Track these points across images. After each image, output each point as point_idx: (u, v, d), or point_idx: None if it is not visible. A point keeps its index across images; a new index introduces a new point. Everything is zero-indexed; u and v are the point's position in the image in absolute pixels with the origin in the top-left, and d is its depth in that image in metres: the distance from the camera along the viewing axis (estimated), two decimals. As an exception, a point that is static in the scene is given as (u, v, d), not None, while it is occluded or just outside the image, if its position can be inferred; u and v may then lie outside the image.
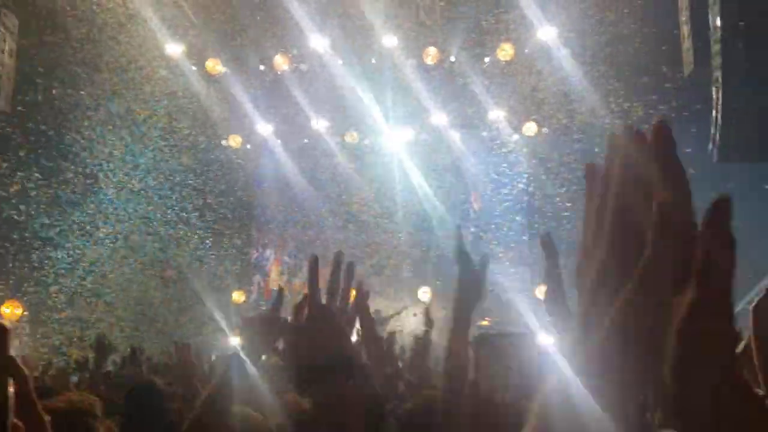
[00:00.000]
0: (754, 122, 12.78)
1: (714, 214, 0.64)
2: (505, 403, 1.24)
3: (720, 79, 12.68)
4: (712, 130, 12.99)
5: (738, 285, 0.63)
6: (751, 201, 13.42)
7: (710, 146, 13.06)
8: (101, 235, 15.43)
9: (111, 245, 15.49)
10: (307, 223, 16.54)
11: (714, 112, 12.93)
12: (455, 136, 16.20)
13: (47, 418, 0.92)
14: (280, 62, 15.57)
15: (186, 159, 16.27)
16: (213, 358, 10.38)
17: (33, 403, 0.91)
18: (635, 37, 14.26)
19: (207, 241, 16.27)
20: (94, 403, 2.59)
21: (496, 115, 15.75)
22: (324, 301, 1.60)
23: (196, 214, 16.30)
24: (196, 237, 16.19)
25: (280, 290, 2.33)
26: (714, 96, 12.91)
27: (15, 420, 0.89)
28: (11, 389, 0.90)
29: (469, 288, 2.16)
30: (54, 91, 14.66)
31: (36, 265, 14.61)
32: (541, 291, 15.83)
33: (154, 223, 15.89)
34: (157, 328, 14.61)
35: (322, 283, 1.62)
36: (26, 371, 0.92)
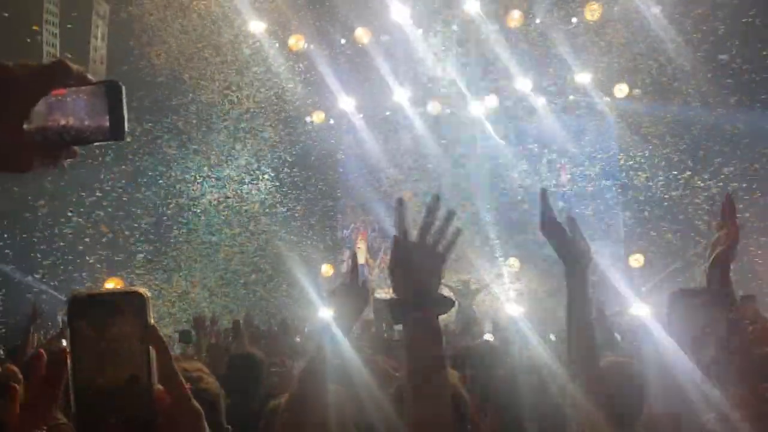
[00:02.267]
0: None
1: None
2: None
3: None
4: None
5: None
6: None
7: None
8: (197, 213, 15.92)
9: (207, 224, 15.95)
10: (388, 199, 16.50)
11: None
12: (540, 101, 15.69)
13: (188, 385, 0.89)
14: (362, 35, 15.49)
15: (273, 137, 16.46)
16: (306, 330, 10.62)
17: (175, 372, 0.88)
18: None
19: (296, 218, 16.49)
20: (202, 368, 2.64)
21: (584, 78, 15.17)
22: (417, 237, 1.65)
23: (285, 192, 16.55)
24: (285, 214, 16.45)
25: (354, 256, 2.34)
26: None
27: (160, 387, 0.87)
28: (153, 358, 0.88)
29: (570, 257, 2.03)
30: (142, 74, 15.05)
31: (140, 244, 15.20)
32: (635, 259, 15.30)
33: (247, 200, 16.24)
34: (254, 302, 14.95)
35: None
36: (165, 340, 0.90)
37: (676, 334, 1.17)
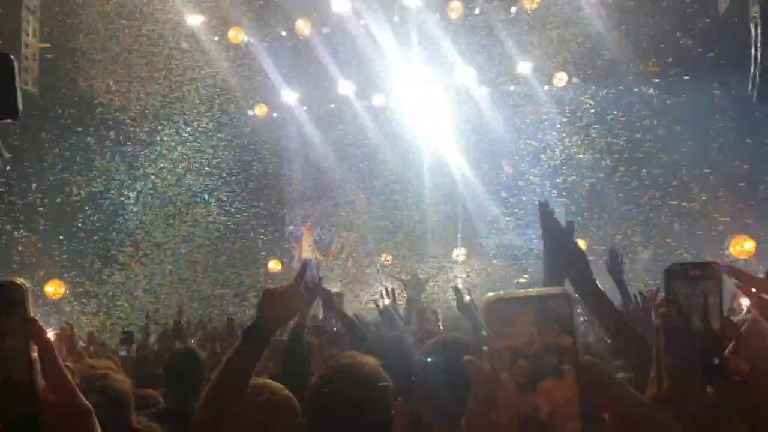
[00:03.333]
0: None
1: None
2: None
3: (758, 15, 12.15)
4: (752, 70, 12.47)
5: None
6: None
7: (749, 87, 12.55)
8: (135, 212, 15.55)
9: (148, 223, 15.59)
10: (333, 193, 16.45)
11: (753, 50, 12.38)
12: (483, 92, 15.79)
13: (76, 381, 0.83)
14: (302, 27, 15.32)
15: (214, 132, 16.17)
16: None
17: (59, 369, 0.83)
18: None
19: (239, 215, 16.27)
20: (111, 366, 2.58)
21: (525, 67, 15.32)
22: None
23: (228, 187, 16.30)
24: (228, 211, 16.20)
25: (304, 263, 2.27)
26: (752, 33, 12.35)
27: (44, 384, 0.82)
28: (34, 354, 0.82)
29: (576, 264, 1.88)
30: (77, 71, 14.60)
31: (80, 244, 14.76)
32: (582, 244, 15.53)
33: (186, 197, 15.92)
34: (201, 301, 14.69)
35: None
36: (50, 336, 0.84)
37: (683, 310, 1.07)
